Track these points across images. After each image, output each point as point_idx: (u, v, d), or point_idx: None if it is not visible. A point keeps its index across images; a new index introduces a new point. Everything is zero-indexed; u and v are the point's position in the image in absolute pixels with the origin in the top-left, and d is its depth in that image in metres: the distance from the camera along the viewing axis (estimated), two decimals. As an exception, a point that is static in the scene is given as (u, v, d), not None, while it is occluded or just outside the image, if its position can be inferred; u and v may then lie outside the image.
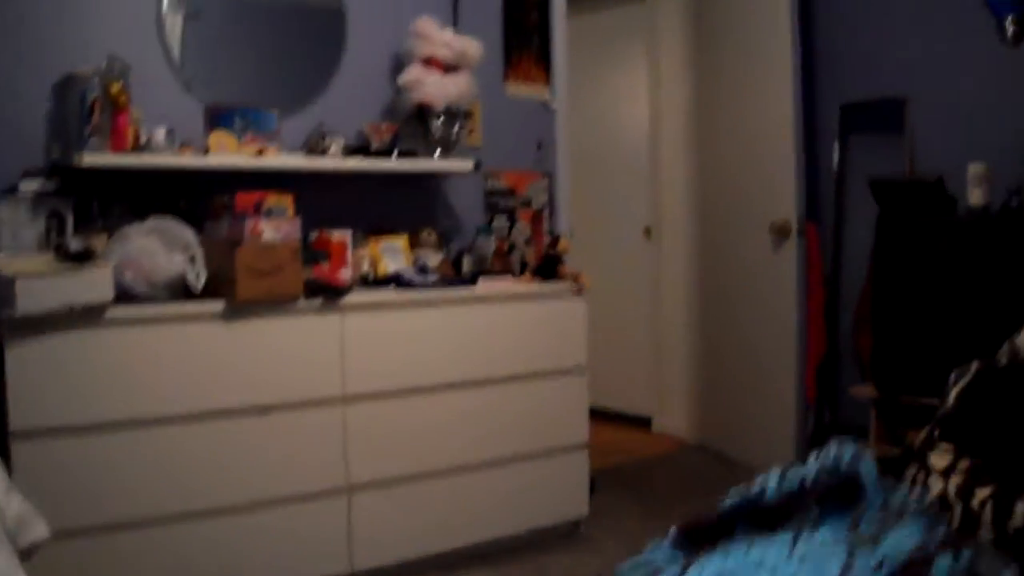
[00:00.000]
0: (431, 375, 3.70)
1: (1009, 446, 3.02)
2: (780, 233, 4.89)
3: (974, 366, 3.39)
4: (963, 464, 2.96)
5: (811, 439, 5.05)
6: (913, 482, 3.04)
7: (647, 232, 6.34)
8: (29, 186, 3.26)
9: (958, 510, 2.85)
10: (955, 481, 2.91)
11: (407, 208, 4.33)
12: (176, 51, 3.77)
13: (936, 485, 2.96)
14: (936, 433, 3.14)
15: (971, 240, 4.11)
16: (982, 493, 2.83)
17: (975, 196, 4.17)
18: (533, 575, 3.80)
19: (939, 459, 3.02)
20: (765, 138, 5.08)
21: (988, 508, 2.78)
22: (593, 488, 4.33)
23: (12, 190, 3.24)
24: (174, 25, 3.77)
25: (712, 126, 5.66)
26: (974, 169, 4.18)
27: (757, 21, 5.14)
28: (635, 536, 4.21)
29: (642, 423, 6.41)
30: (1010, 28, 3.90)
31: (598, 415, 5.41)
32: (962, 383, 3.32)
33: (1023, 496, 2.74)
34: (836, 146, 5.23)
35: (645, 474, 5.31)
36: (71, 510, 2.93)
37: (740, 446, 5.39)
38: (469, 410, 3.80)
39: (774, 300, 5.01)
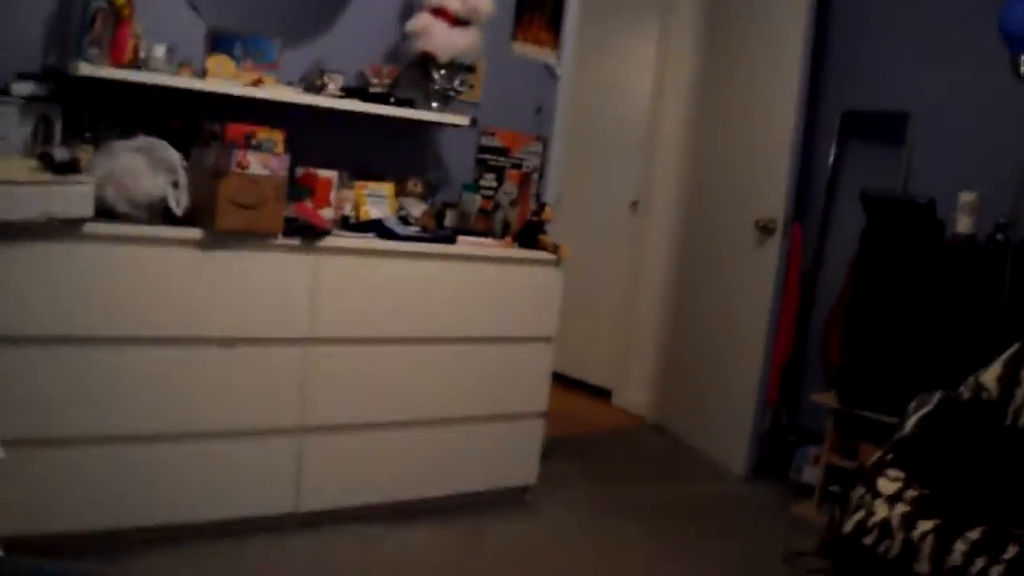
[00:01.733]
0: (398, 327, 3.69)
1: (959, 481, 3.05)
2: (765, 230, 4.88)
3: (936, 396, 3.43)
4: (911, 493, 2.99)
5: (766, 436, 5.09)
6: (859, 504, 3.07)
7: (633, 206, 6.33)
8: (21, 89, 3.20)
9: (899, 539, 2.89)
10: (900, 510, 2.95)
11: (397, 155, 4.30)
12: (185, -34, 3.69)
13: (880, 510, 3.00)
14: (889, 457, 3.17)
15: (953, 268, 4.12)
16: (925, 526, 2.87)
17: (963, 224, 4.16)
18: (468, 538, 3.81)
19: (888, 484, 3.06)
20: (763, 133, 5.04)
21: (928, 542, 2.81)
22: (546, 455, 4.36)
23: (4, 91, 3.18)
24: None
25: (713, 112, 5.61)
26: (965, 198, 4.16)
27: (772, 15, 5.08)
28: (579, 509, 4.25)
29: (603, 394, 6.44)
30: (1023, 64, 3.87)
31: (560, 381, 5.42)
32: (923, 411, 3.36)
33: (964, 535, 2.78)
34: (833, 151, 5.20)
35: (600, 448, 5.34)
36: (33, 421, 2.94)
37: (696, 433, 5.43)
38: (432, 366, 3.80)
39: (749, 295, 5.00)
